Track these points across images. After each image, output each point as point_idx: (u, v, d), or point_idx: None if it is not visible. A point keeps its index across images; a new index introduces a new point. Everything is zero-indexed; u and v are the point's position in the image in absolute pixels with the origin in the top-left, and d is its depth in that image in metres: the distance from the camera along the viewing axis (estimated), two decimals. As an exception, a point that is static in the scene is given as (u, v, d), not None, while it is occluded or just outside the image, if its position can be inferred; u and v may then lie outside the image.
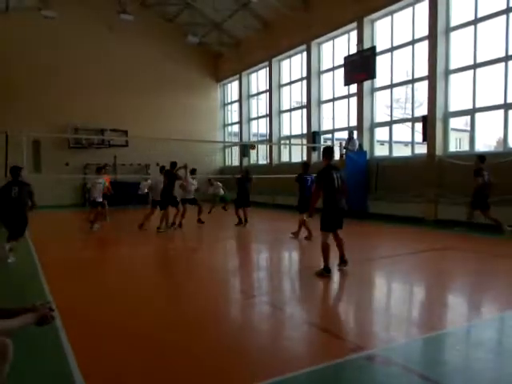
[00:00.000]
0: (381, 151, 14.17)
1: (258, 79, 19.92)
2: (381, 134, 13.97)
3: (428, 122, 11.39)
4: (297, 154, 17.58)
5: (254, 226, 10.94)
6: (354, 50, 13.82)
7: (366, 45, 13.29)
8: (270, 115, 18.37)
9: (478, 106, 10.69)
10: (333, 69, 15.28)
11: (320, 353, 3.32)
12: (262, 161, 19.71)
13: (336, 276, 6.20)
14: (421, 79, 12.05)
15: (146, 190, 12.81)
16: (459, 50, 11.23)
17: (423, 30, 11.73)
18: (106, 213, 11.59)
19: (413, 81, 12.47)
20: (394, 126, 13.35)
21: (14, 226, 6.37)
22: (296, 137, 17.70)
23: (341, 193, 5.70)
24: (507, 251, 7.51)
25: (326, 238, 5.63)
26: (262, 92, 19.45)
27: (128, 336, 3.58)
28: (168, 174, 10.09)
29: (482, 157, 9.31)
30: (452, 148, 11.96)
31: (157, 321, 4.00)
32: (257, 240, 9.59)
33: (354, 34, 13.95)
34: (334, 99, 15.46)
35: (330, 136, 16.07)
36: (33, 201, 6.59)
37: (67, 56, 17.94)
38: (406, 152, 14.08)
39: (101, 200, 10.61)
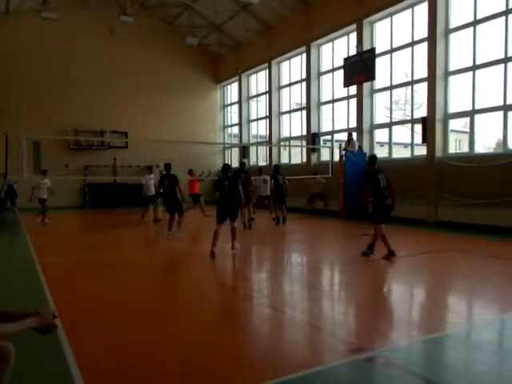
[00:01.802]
0: (380, 153, 14.18)
1: (258, 81, 19.95)
2: (380, 135, 13.99)
3: (427, 123, 11.40)
4: (296, 155, 17.59)
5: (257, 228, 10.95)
6: (353, 51, 13.84)
7: (366, 46, 13.32)
8: (269, 117, 18.39)
9: (477, 107, 10.71)
10: (332, 70, 15.30)
11: (321, 354, 3.32)
12: (262, 162, 19.73)
13: (337, 277, 6.20)
14: (420, 81, 12.07)
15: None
16: (458, 51, 11.26)
17: (422, 31, 11.76)
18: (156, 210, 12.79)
19: (412, 82, 12.49)
20: (394, 128, 13.37)
21: (169, 207, 9.28)
22: (296, 138, 17.72)
23: (387, 191, 6.66)
24: (508, 252, 7.51)
25: (381, 230, 6.61)
26: (262, 94, 19.47)
27: (129, 336, 3.58)
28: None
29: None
30: (452, 149, 11.97)
31: (159, 321, 3.99)
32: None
33: (353, 36, 13.98)
34: (333, 101, 15.48)
35: (329, 137, 16.09)
36: (179, 189, 9.11)
37: (67, 58, 17.95)
38: (405, 153, 14.09)
39: (45, 197, 12.27)
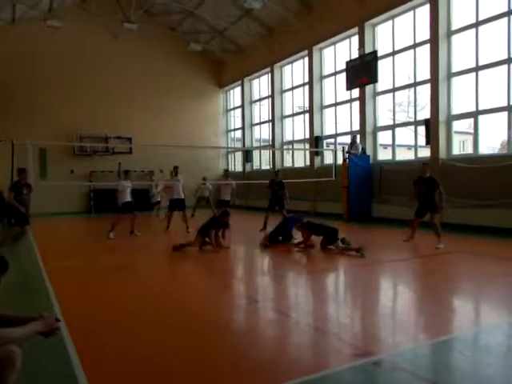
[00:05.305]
0: (384, 155, 14.16)
1: (261, 85, 20.02)
2: (384, 137, 13.96)
3: (431, 125, 11.37)
4: (300, 158, 17.61)
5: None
6: (355, 54, 13.86)
7: (368, 49, 13.33)
8: (272, 120, 18.42)
9: (481, 108, 10.68)
10: (335, 74, 15.32)
11: (327, 358, 3.30)
12: (265, 166, 19.76)
13: (341, 279, 6.18)
14: (423, 82, 12.06)
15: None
16: (461, 52, 11.24)
17: (425, 33, 11.76)
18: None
19: (415, 84, 12.47)
20: (397, 130, 13.34)
21: None
22: (299, 142, 17.73)
23: None
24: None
25: None
26: (265, 98, 19.52)
27: (133, 338, 3.59)
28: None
29: (276, 171, 12.02)
30: (455, 151, 11.94)
31: (164, 325, 4.00)
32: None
33: (355, 39, 14.00)
34: (336, 104, 15.48)
35: (332, 141, 16.10)
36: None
37: (72, 65, 18.11)
38: (409, 155, 14.06)
39: None
